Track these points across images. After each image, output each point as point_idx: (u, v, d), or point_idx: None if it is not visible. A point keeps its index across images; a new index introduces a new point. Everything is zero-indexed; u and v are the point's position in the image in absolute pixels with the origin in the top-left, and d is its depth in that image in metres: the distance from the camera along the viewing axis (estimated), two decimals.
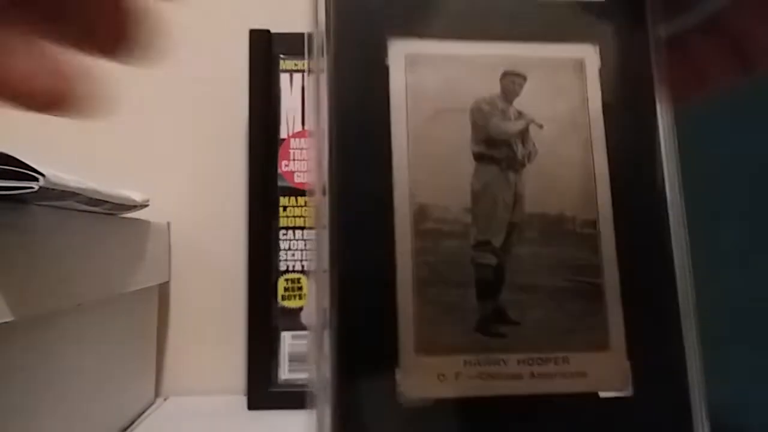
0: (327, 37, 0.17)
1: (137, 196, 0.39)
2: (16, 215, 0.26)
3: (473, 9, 0.18)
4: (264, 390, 0.44)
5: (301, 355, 0.45)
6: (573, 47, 0.18)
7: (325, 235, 0.16)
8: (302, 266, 0.45)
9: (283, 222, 0.46)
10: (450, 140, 0.17)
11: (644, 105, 0.18)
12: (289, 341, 0.45)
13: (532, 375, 0.16)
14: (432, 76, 0.17)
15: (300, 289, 0.44)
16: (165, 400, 0.51)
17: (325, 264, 0.16)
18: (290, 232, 0.46)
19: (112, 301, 0.38)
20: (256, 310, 0.45)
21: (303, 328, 0.44)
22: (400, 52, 0.17)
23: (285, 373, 0.44)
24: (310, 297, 0.16)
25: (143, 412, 0.47)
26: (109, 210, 0.36)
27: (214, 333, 0.53)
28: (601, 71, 0.18)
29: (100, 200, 0.32)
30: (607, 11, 0.18)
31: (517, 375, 0.16)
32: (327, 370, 0.16)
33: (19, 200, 0.26)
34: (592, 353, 0.17)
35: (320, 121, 0.17)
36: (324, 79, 0.17)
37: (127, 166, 0.48)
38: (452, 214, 0.17)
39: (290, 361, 0.45)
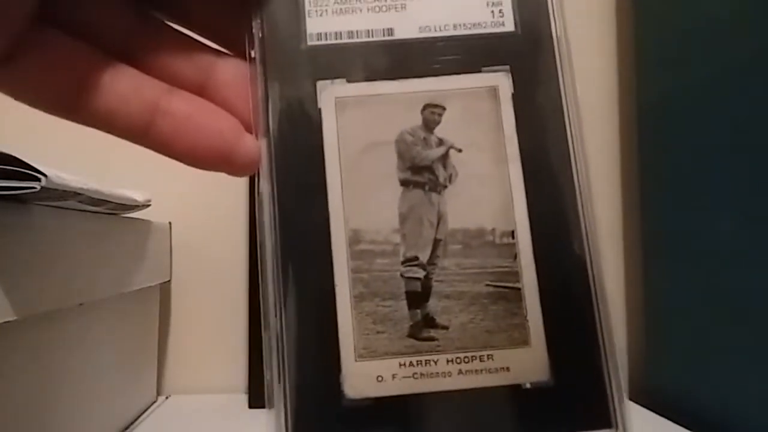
0: (264, 90, 0.19)
1: (139, 196, 0.40)
2: (18, 215, 0.26)
3: (392, 52, 0.20)
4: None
5: None
6: (487, 76, 0.20)
7: (275, 261, 0.19)
8: None
9: None
10: (378, 170, 0.19)
11: (555, 124, 0.20)
12: None
13: (460, 372, 0.19)
14: (360, 115, 0.20)
15: None
16: (166, 398, 0.52)
17: (275, 287, 0.19)
18: None
19: (114, 301, 0.39)
20: (256, 309, 0.47)
21: None
22: (330, 96, 0.19)
23: None
24: (263, 315, 0.19)
25: (145, 411, 0.48)
26: (110, 210, 0.36)
27: (215, 332, 0.54)
28: (513, 96, 0.20)
29: (101, 200, 0.33)
30: (517, 40, 0.20)
31: (447, 373, 0.19)
32: (280, 377, 0.18)
33: (20, 200, 0.26)
34: (514, 349, 0.19)
35: (263, 164, 0.19)
36: (262, 128, 0.19)
37: (129, 166, 0.49)
38: (382, 236, 0.19)
39: None
